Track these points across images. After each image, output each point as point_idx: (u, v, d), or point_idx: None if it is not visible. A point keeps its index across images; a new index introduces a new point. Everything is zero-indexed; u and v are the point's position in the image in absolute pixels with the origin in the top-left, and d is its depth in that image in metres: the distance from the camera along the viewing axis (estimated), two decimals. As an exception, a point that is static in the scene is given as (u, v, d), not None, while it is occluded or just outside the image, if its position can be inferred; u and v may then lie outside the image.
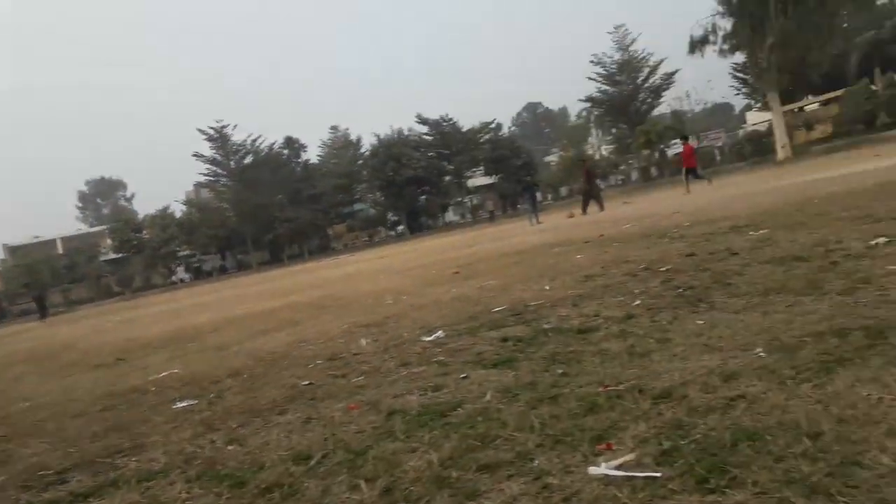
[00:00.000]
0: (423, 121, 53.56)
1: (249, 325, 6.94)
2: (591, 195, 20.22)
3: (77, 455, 2.86)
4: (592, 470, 1.64)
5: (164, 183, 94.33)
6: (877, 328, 2.39)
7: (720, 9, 30.88)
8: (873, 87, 32.00)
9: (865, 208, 5.49)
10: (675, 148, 39.14)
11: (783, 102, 33.18)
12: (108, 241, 55.81)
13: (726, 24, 31.47)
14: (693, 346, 2.60)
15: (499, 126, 56.72)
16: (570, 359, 2.80)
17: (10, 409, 4.54)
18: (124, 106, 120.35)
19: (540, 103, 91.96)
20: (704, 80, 73.18)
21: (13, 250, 58.68)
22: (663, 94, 51.71)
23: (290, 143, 53.07)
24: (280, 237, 50.02)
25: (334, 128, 63.74)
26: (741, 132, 48.35)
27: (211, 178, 52.85)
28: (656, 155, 45.83)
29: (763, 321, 2.77)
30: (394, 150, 49.67)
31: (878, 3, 35.09)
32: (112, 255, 54.89)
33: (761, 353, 2.33)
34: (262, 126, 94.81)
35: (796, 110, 42.90)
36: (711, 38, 31.95)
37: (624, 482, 1.55)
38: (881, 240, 3.88)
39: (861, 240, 4.05)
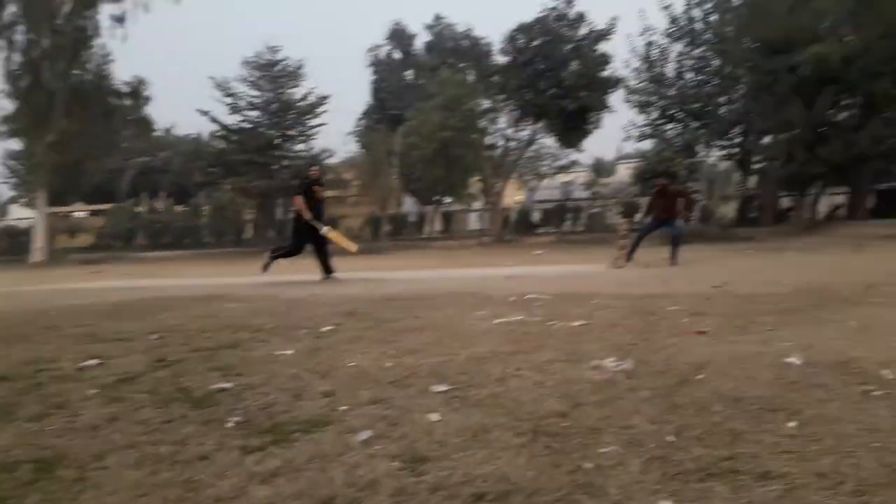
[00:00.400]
0: None
1: None
2: None
3: None
4: None
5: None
6: (49, 459, 2.33)
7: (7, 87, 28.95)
8: (138, 209, 35.45)
9: (93, 326, 5.63)
10: None
11: (52, 204, 32.66)
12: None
13: (8, 106, 29.54)
14: None
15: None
16: None
17: None
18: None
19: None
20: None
21: None
22: None
23: None
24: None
25: None
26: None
27: None
28: None
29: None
30: None
31: (155, 133, 39.73)
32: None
33: None
34: None
35: (63, 214, 42.76)
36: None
37: None
38: (92, 361, 3.99)
39: (74, 360, 4.07)
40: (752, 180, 24.98)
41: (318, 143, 32.67)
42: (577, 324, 4.97)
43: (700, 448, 2.33)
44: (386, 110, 34.65)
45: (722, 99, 24.24)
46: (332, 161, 31.36)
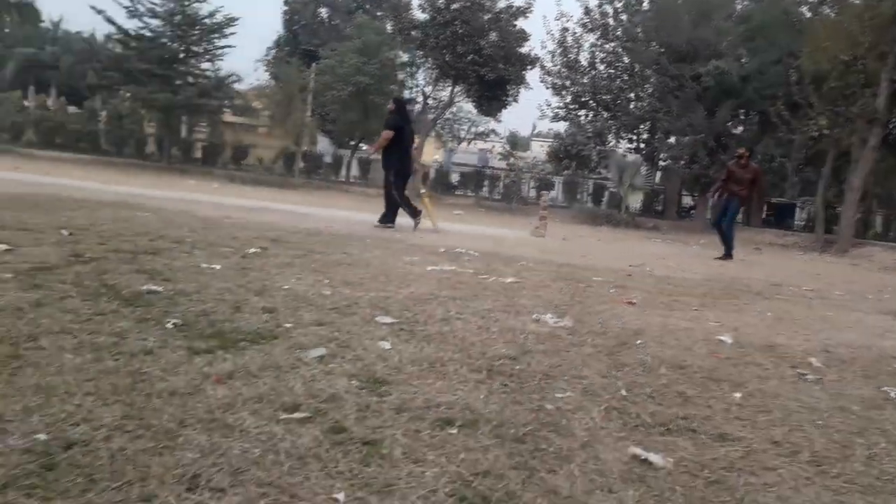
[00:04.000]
0: None
1: None
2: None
3: None
4: None
5: None
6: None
7: None
8: (26, 103, 32.31)
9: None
10: None
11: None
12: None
13: None
14: None
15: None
16: None
17: None
18: None
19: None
20: None
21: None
22: None
23: None
24: None
25: None
26: None
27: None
28: None
29: None
30: None
31: (42, 25, 36.24)
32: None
33: None
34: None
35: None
36: None
37: None
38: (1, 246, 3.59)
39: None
40: (659, 175, 26.10)
41: (226, 64, 30.91)
42: (509, 280, 4.99)
43: (654, 405, 2.38)
44: (299, 44, 33.25)
45: (631, 95, 24.81)
46: (240, 86, 29.87)
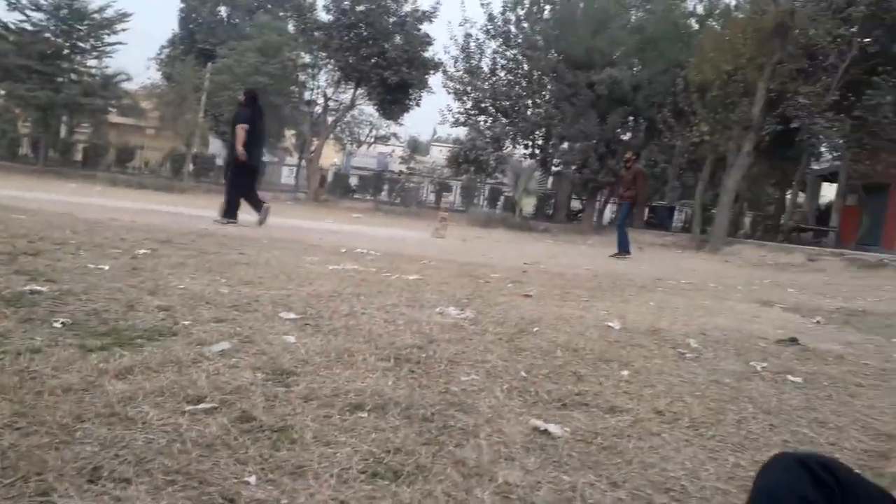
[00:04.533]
0: None
1: None
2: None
3: None
4: None
5: None
6: None
7: None
8: None
9: None
10: None
11: None
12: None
13: None
14: None
15: None
16: None
17: None
18: None
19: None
20: None
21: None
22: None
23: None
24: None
25: None
26: None
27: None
28: None
29: None
30: None
31: None
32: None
33: None
34: None
35: None
36: None
37: None
38: None
39: None
40: (551, 180, 27.13)
41: (115, 62, 29.31)
42: (412, 277, 5.08)
43: (550, 384, 2.53)
44: (195, 43, 32.07)
45: (529, 101, 25.64)
46: (129, 86, 28.31)
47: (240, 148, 9.17)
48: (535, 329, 3.50)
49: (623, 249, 10.84)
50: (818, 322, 4.98)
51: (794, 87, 16.49)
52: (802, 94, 16.26)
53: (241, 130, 9.23)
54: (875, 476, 1.91)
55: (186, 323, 2.81)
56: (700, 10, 25.35)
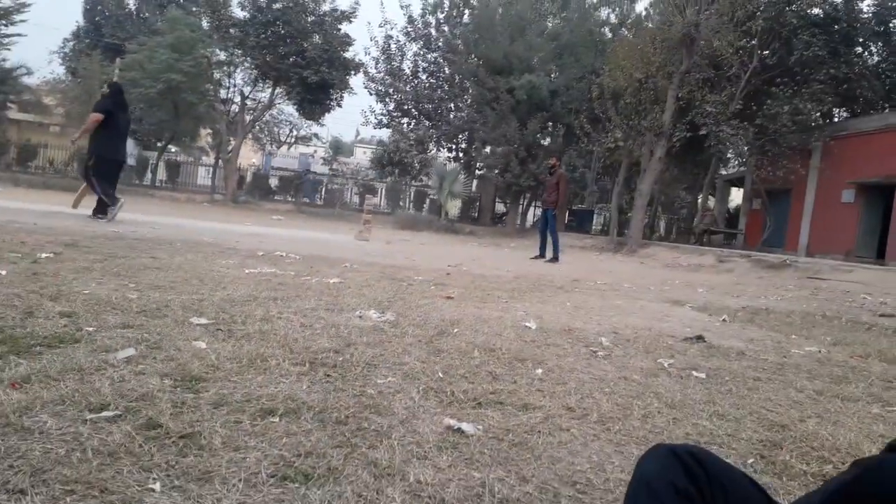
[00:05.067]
0: None
1: None
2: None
3: None
4: None
5: None
6: None
7: None
8: None
9: None
10: None
11: None
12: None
13: None
14: None
15: None
16: None
17: None
18: None
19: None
20: None
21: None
22: None
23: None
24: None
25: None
26: None
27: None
28: None
29: None
30: None
31: None
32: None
33: None
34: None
35: None
36: None
37: None
38: None
39: None
40: (476, 183, 27.53)
41: (14, 55, 27.59)
42: (333, 280, 5.04)
43: (466, 384, 2.58)
44: (102, 37, 30.68)
45: (451, 105, 25.97)
46: (30, 80, 26.72)
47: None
48: (455, 330, 3.56)
49: (556, 255, 11.11)
50: (724, 320, 5.27)
51: (702, 96, 17.41)
52: (709, 103, 17.19)
53: (91, 119, 9.23)
54: (767, 464, 2.06)
55: (90, 329, 2.69)
56: (613, 18, 26.40)
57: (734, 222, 24.48)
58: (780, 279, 11.05)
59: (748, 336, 4.56)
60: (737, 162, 24.45)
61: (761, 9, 17.44)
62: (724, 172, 25.76)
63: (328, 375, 2.49)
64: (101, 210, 9.19)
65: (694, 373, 3.17)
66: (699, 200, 25.60)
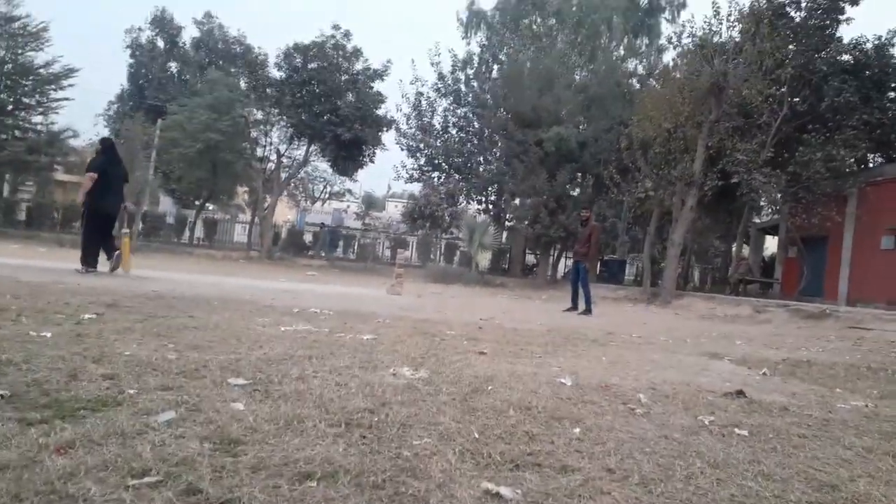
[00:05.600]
0: None
1: None
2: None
3: None
4: None
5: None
6: None
7: None
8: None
9: None
10: None
11: None
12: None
13: None
14: None
15: None
16: None
17: None
18: None
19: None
20: None
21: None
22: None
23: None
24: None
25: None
26: None
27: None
28: None
29: None
30: None
31: None
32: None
33: None
34: None
35: None
36: None
37: None
38: None
39: None
40: (506, 235, 27.62)
41: (62, 119, 28.97)
42: (366, 337, 5.06)
43: (503, 444, 2.55)
44: (144, 99, 32.06)
45: (481, 158, 26.32)
46: (76, 142, 27.88)
47: (80, 196, 9.60)
48: (489, 388, 3.53)
49: (589, 307, 10.99)
50: (764, 374, 5.13)
51: (732, 144, 17.35)
52: (740, 151, 17.11)
53: (87, 178, 9.62)
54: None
55: (132, 392, 2.74)
56: (641, 69, 26.69)
57: (770, 271, 24.02)
58: (821, 329, 10.75)
59: (790, 390, 4.43)
60: (770, 210, 24.15)
61: (790, 57, 17.49)
62: (757, 220, 25.44)
63: (364, 437, 2.48)
64: (92, 263, 9.49)
65: (736, 430, 3.08)
66: (733, 249, 25.24)
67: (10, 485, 1.69)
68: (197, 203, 28.21)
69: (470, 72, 27.02)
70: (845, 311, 12.67)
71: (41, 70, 24.86)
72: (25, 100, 25.20)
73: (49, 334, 3.82)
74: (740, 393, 3.97)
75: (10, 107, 24.79)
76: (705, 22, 18.40)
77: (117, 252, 9.45)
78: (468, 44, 30.08)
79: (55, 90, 25.49)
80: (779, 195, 18.53)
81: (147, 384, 2.91)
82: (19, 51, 24.39)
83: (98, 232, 9.53)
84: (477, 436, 2.62)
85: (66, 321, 4.44)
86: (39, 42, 24.76)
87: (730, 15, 18.04)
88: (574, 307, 11.39)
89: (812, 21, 18.18)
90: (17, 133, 24.86)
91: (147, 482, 1.81)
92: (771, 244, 27.52)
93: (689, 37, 19.12)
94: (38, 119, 26.14)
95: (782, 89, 17.57)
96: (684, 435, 2.92)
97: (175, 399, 2.71)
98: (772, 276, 22.64)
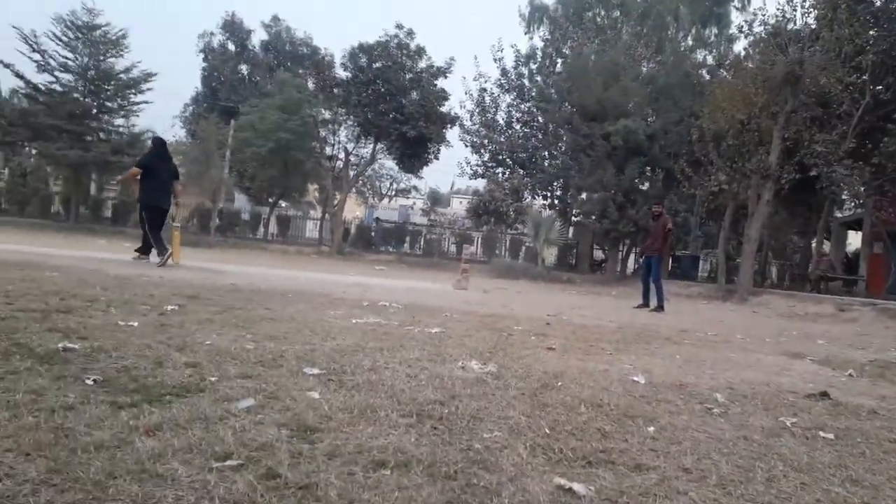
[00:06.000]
0: None
1: None
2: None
3: None
4: None
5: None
6: None
7: None
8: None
9: None
10: None
11: None
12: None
13: None
14: None
15: None
16: None
17: None
18: None
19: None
20: None
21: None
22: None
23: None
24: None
25: None
26: None
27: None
28: None
29: None
30: None
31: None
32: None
33: None
34: None
35: None
36: None
37: None
38: None
39: None
40: (572, 230, 27.24)
41: (142, 121, 30.35)
42: (434, 330, 5.09)
43: (575, 441, 2.51)
44: (218, 100, 33.26)
45: (546, 153, 25.99)
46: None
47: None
48: (559, 384, 3.49)
49: (661, 303, 10.71)
50: (850, 375, 4.88)
51: (810, 136, 16.49)
52: (819, 143, 16.24)
53: (130, 172, 10.48)
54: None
55: (213, 379, 2.85)
56: (710, 60, 25.72)
57: (853, 268, 22.76)
58: (912, 329, 10.13)
59: (879, 393, 4.18)
60: (853, 203, 22.89)
61: (871, 43, 16.44)
62: (839, 215, 24.15)
63: (435, 428, 2.49)
64: (145, 251, 10.15)
65: (821, 433, 2.93)
66: (813, 245, 24.07)
67: (105, 463, 1.79)
68: (270, 200, 29.04)
69: (533, 66, 26.74)
70: (938, 310, 11.88)
71: (122, 75, 26.15)
72: (108, 104, 26.54)
73: (136, 324, 4.02)
74: (825, 394, 3.78)
75: (94, 110, 26.16)
76: (778, 9, 17.56)
77: (169, 251, 9.84)
78: (531, 38, 29.74)
79: (135, 94, 26.76)
80: (862, 188, 17.51)
81: (227, 372, 3.01)
82: (101, 57, 25.71)
83: (152, 223, 10.03)
84: (548, 431, 2.59)
85: (151, 312, 4.65)
86: (119, 49, 26.05)
87: (804, 1, 17.18)
88: (645, 304, 11.11)
89: (894, 4, 17.05)
90: (101, 135, 26.20)
91: (229, 465, 1.87)
92: (854, 240, 26.10)
93: (761, 25, 18.24)
94: (120, 121, 27.51)
95: (864, 77, 16.55)
96: (765, 436, 2.80)
97: (254, 387, 2.80)
98: (856, 272, 21.46)
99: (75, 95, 25.55)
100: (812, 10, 17.10)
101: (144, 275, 7.59)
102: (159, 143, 11.10)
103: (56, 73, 25.24)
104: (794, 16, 17.31)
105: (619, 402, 3.16)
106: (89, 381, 2.54)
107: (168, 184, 10.39)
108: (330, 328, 4.73)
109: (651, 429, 2.75)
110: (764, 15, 18.04)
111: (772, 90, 16.67)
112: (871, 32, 16.67)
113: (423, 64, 25.56)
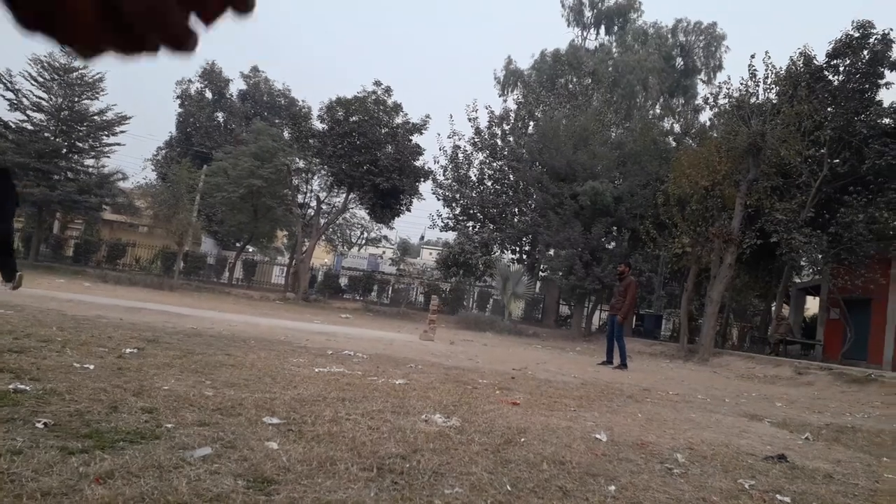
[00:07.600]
0: None
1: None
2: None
3: None
4: None
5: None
6: None
7: None
8: None
9: None
10: None
11: None
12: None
13: None
14: None
15: None
16: None
17: None
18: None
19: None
20: None
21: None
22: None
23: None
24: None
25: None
26: None
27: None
28: None
29: None
30: None
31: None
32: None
33: None
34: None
35: None
36: None
37: None
38: None
39: None
40: (539, 284, 27.45)
41: (113, 162, 30.17)
42: (399, 381, 5.04)
43: (536, 499, 2.49)
44: (192, 145, 33.30)
45: (516, 209, 26.41)
46: (125, 184, 28.96)
47: None
48: (522, 439, 3.46)
49: (624, 361, 10.77)
50: (807, 438, 4.94)
51: (770, 204, 17.08)
52: (779, 211, 16.82)
53: None
54: None
55: (169, 426, 2.77)
56: (677, 128, 26.69)
57: (811, 332, 23.27)
58: (865, 395, 10.31)
59: (834, 457, 4.24)
60: (811, 270, 23.55)
61: (829, 119, 17.29)
62: (798, 280, 24.79)
63: (395, 483, 2.45)
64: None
65: (778, 496, 2.95)
66: (773, 309, 24.60)
67: (51, 512, 1.71)
68: (237, 245, 28.78)
69: (506, 127, 27.41)
70: (891, 376, 12.13)
71: (95, 117, 26.04)
72: (79, 144, 26.33)
73: (92, 366, 3.90)
74: (782, 457, 3.82)
75: (63, 150, 25.89)
76: (742, 84, 18.46)
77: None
78: (504, 101, 30.68)
79: (107, 135, 26.62)
80: (820, 256, 18.07)
81: (184, 419, 2.93)
82: (76, 99, 25.63)
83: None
84: (510, 488, 2.56)
85: (108, 354, 4.52)
86: (95, 91, 26.02)
87: (766, 77, 18.07)
88: (609, 361, 11.17)
89: (851, 84, 18.01)
90: (69, 174, 25.88)
91: (182, 517, 1.81)
92: (812, 305, 26.76)
93: (725, 97, 19.12)
94: (90, 162, 27.24)
95: (822, 150, 17.33)
96: (723, 498, 2.81)
97: (211, 435, 2.73)
98: (813, 337, 21.93)
99: (46, 134, 25.31)
100: (774, 86, 17.99)
101: (104, 316, 7.41)
102: (2, 172, 10.86)
103: (28, 111, 25.05)
104: (757, 91, 18.20)
105: (581, 460, 3.15)
106: (39, 425, 2.45)
107: (9, 214, 10.28)
108: (292, 377, 4.66)
109: (612, 488, 2.73)
110: (729, 88, 18.94)
111: (735, 159, 17.33)
112: (829, 109, 17.56)
113: (399, 119, 25.98)
